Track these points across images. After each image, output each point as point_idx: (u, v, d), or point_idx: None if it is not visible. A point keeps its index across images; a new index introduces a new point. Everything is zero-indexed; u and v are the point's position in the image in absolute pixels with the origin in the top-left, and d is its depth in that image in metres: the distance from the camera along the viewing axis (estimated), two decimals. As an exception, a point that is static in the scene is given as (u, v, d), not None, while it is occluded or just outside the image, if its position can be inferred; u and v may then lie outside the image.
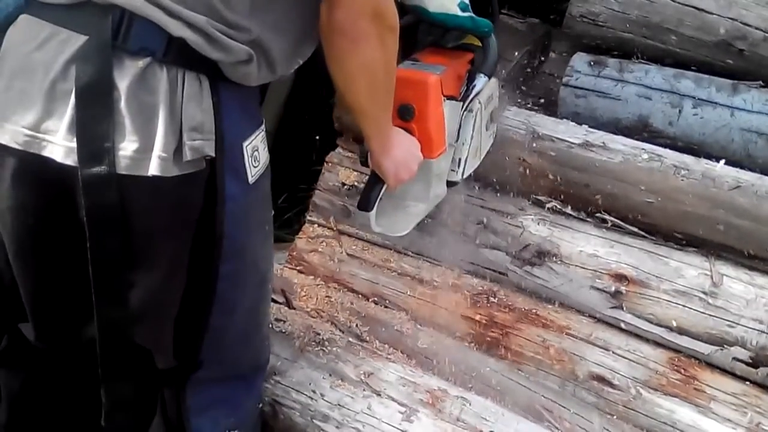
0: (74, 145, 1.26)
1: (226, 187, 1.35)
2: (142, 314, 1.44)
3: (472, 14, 1.89)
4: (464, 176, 1.89)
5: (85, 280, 1.43)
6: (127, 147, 1.25)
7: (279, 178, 2.79)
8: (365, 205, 1.70)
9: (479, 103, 1.86)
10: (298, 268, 2.26)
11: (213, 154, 1.31)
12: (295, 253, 2.28)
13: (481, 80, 1.86)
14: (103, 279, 1.40)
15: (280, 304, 2.07)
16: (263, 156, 1.45)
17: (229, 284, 1.44)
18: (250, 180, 1.40)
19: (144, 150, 1.26)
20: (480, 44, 1.91)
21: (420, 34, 1.97)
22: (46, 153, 1.29)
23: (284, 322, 1.94)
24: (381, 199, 1.71)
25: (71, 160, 1.27)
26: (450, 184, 1.89)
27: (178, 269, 1.40)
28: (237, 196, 1.37)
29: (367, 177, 1.77)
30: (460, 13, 1.87)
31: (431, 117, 1.74)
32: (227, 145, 1.34)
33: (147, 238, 1.34)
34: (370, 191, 1.70)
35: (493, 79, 1.94)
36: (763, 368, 1.83)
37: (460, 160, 1.86)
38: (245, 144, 1.38)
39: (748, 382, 1.85)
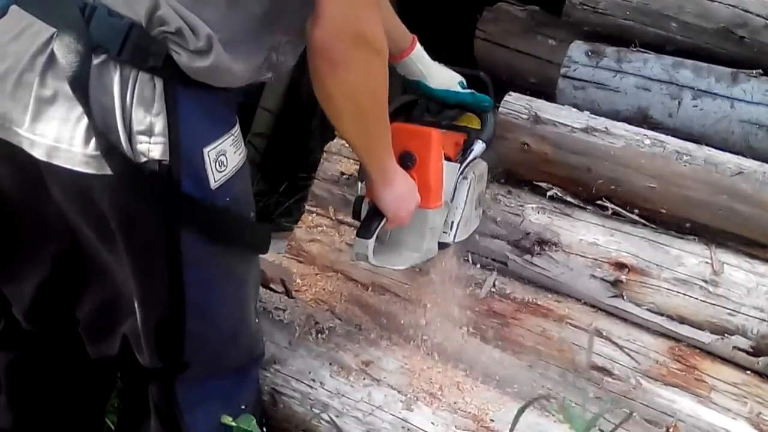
0: (36, 138, 1.28)
1: (182, 191, 1.33)
2: (119, 311, 1.48)
3: (473, 91, 1.95)
4: (455, 240, 1.90)
5: (59, 263, 1.45)
6: (89, 145, 1.26)
7: (279, 167, 2.81)
8: (365, 233, 1.71)
9: (473, 173, 1.89)
10: (297, 257, 2.25)
11: (161, 158, 1.29)
12: (294, 243, 2.28)
13: (478, 146, 1.88)
14: (92, 266, 1.42)
15: (280, 293, 2.06)
16: (233, 160, 1.40)
17: (200, 290, 1.43)
18: (213, 185, 1.36)
19: (103, 149, 1.26)
20: (475, 127, 1.95)
21: (416, 111, 1.99)
22: (14, 141, 1.30)
23: (284, 311, 1.94)
24: (379, 232, 1.71)
25: (36, 152, 1.28)
26: (441, 245, 1.89)
27: (148, 272, 1.39)
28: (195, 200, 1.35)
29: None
30: (460, 90, 1.93)
31: (432, 167, 1.77)
32: (184, 150, 1.31)
33: (113, 235, 1.35)
34: (370, 222, 1.71)
35: (484, 163, 1.96)
36: (764, 357, 1.83)
37: (452, 223, 1.88)
38: (207, 149, 1.34)
39: (748, 372, 1.85)
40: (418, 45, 1.86)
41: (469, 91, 1.96)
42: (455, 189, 1.86)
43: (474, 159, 1.88)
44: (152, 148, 1.28)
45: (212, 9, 1.29)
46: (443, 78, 1.92)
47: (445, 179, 1.81)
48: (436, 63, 1.92)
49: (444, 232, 1.88)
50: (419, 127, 1.84)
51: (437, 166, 1.79)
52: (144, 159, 1.28)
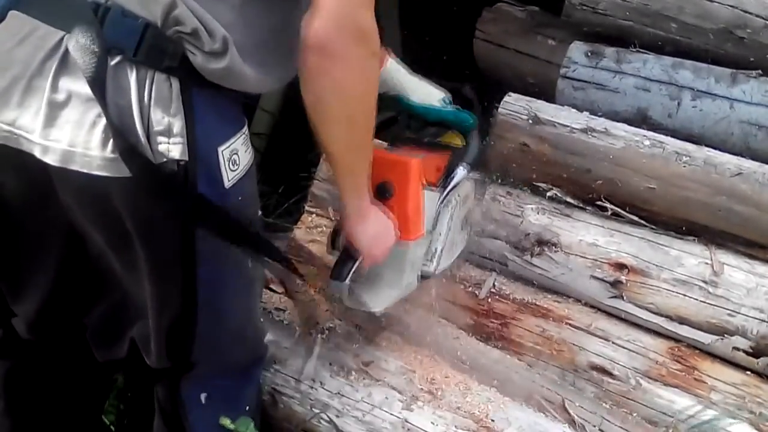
0: (49, 143, 1.26)
1: (198, 191, 1.32)
2: (129, 315, 1.48)
3: (456, 107, 1.86)
4: (438, 270, 1.83)
5: (67, 272, 1.44)
6: (106, 148, 1.25)
7: (279, 168, 2.80)
8: (338, 274, 1.64)
9: (457, 196, 1.82)
10: (297, 257, 2.24)
11: (180, 158, 1.28)
12: (293, 243, 2.27)
13: (461, 171, 1.80)
14: (101, 272, 1.42)
15: (280, 293, 2.06)
16: (244, 159, 1.40)
17: (212, 289, 1.43)
18: (227, 184, 1.36)
19: (122, 151, 1.25)
20: (460, 145, 1.86)
21: (397, 129, 1.90)
22: (24, 149, 1.29)
23: (284, 311, 1.94)
24: (354, 272, 1.64)
25: (49, 158, 1.27)
26: (423, 276, 1.82)
27: (164, 273, 1.38)
28: (210, 201, 1.34)
29: None
30: (443, 106, 1.84)
31: (410, 199, 1.69)
32: (201, 151, 1.30)
33: (128, 238, 1.34)
34: (344, 263, 1.64)
35: (470, 182, 1.90)
36: (764, 358, 1.83)
37: (435, 251, 1.80)
38: (221, 149, 1.34)
39: (748, 372, 1.85)
40: (390, 58, 1.79)
41: (452, 108, 1.86)
42: (437, 216, 1.78)
43: (457, 184, 1.80)
44: (172, 148, 1.27)
45: (227, 10, 1.29)
46: (424, 93, 1.83)
47: (425, 208, 1.73)
48: (417, 77, 1.84)
49: (426, 261, 1.81)
50: (397, 156, 1.74)
51: (416, 196, 1.70)
52: (164, 159, 1.27)
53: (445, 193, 1.79)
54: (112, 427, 2.02)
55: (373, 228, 1.61)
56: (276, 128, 3.00)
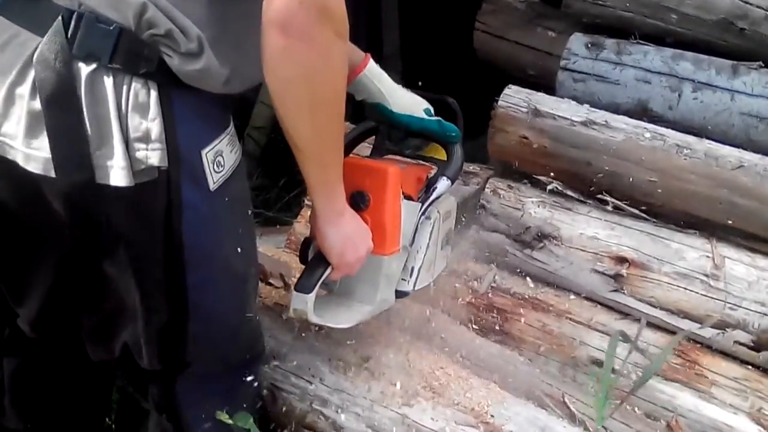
0: (31, 151, 1.25)
1: (182, 195, 1.30)
2: (121, 317, 1.46)
3: (439, 119, 1.77)
4: (416, 288, 1.72)
5: (66, 272, 1.43)
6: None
7: (279, 161, 2.79)
8: (303, 285, 1.51)
9: (438, 212, 1.72)
10: (296, 252, 2.23)
11: (160, 164, 1.26)
12: (293, 237, 2.26)
13: (443, 183, 1.70)
14: (87, 280, 1.42)
15: (279, 288, 2.05)
16: (229, 159, 1.37)
17: (201, 292, 1.41)
18: (212, 187, 1.33)
19: (100, 159, 1.24)
20: (442, 158, 1.78)
21: (377, 140, 1.83)
22: (9, 156, 1.28)
23: (283, 306, 1.93)
24: (323, 283, 1.54)
25: (31, 167, 1.26)
26: (400, 294, 1.71)
27: (150, 279, 1.37)
28: (196, 205, 1.32)
29: None
30: (426, 116, 1.76)
31: (387, 209, 1.59)
32: (183, 154, 1.28)
33: (113, 246, 1.33)
34: (311, 272, 1.52)
35: (452, 198, 1.83)
36: (765, 352, 1.83)
37: (413, 269, 1.69)
38: (204, 151, 1.31)
39: (749, 366, 1.85)
40: (371, 62, 1.72)
41: (435, 118, 1.77)
42: (416, 231, 1.68)
43: (437, 198, 1.70)
44: (150, 155, 1.25)
45: (197, 6, 1.25)
46: (406, 102, 1.74)
47: (403, 221, 1.63)
48: (400, 86, 1.76)
49: (402, 279, 1.70)
50: (374, 163, 1.67)
51: (394, 207, 1.60)
52: (142, 166, 1.26)
53: (425, 206, 1.69)
54: (110, 422, 2.02)
55: (347, 230, 1.51)
56: (276, 121, 2.99)
